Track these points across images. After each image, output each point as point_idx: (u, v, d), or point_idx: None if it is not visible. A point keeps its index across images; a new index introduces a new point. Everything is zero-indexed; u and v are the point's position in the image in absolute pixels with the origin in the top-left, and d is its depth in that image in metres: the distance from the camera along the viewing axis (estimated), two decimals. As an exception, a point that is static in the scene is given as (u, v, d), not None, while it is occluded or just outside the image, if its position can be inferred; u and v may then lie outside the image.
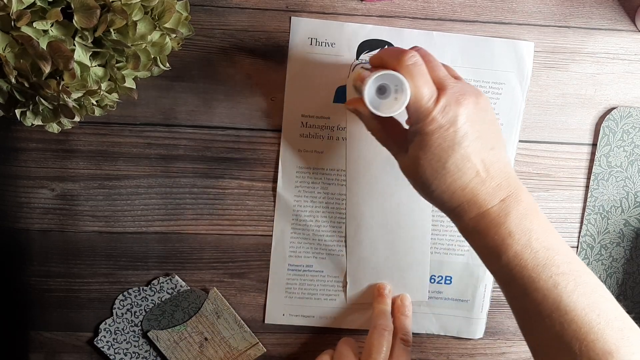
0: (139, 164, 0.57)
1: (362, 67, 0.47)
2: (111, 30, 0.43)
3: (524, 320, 0.43)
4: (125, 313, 0.59)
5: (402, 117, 0.45)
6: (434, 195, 0.44)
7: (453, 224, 0.59)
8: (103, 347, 0.60)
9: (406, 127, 0.45)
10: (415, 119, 0.42)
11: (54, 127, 0.48)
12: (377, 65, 0.46)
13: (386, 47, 0.46)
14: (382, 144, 0.49)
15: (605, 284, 0.60)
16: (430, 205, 0.58)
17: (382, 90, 0.42)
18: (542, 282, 0.41)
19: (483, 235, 0.43)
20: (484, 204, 0.42)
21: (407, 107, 0.42)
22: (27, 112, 0.46)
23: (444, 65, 0.45)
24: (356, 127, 0.57)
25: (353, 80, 0.49)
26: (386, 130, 0.47)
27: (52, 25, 0.42)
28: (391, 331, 0.55)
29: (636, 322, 0.44)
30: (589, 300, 0.40)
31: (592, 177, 0.59)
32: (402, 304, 0.59)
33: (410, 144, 0.44)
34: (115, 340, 0.60)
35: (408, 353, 0.55)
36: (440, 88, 0.42)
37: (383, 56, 0.45)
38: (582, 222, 0.60)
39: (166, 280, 0.59)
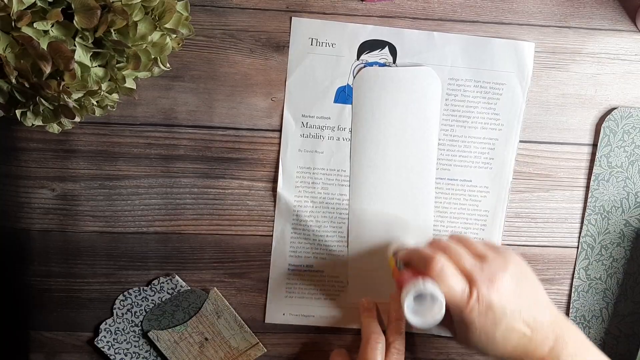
0: (139, 164, 0.57)
1: (394, 254, 0.54)
2: (112, 30, 0.43)
3: None
4: (126, 313, 0.59)
5: None
6: (491, 355, 0.49)
7: (454, 225, 0.59)
8: (103, 347, 0.60)
9: None
10: (454, 310, 0.47)
11: (54, 128, 0.48)
12: (407, 262, 0.51)
13: (411, 248, 0.53)
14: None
15: (606, 285, 0.60)
16: (432, 206, 0.58)
17: (419, 297, 0.47)
18: None
19: None
20: (535, 355, 0.47)
21: (445, 304, 0.46)
22: (28, 113, 0.46)
23: (466, 242, 0.50)
24: (360, 128, 0.57)
25: (389, 264, 0.56)
26: None
27: (52, 26, 0.42)
28: (384, 343, 0.55)
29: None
30: None
31: (593, 178, 0.59)
32: (396, 309, 0.59)
33: (457, 325, 0.49)
34: (115, 341, 0.60)
35: None
36: (470, 279, 0.46)
37: (412, 259, 0.50)
38: (582, 223, 0.60)
39: (166, 281, 0.59)
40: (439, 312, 0.46)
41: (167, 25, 0.47)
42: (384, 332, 0.57)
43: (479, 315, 0.46)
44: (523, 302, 0.47)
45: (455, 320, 0.49)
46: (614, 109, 0.58)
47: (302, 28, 0.55)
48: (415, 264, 0.50)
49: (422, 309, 0.47)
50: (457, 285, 0.46)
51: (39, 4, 0.41)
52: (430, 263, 0.47)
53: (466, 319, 0.46)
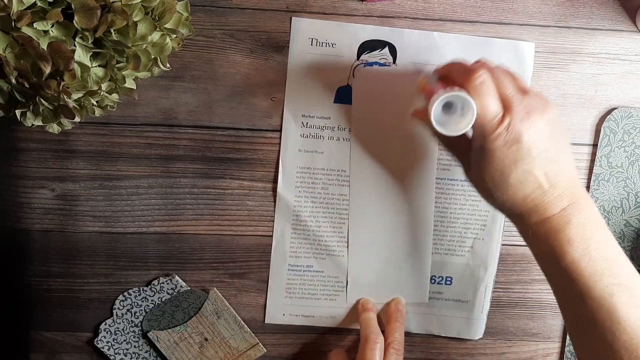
0: (139, 164, 0.57)
1: (425, 77, 0.48)
2: (112, 30, 0.43)
3: (576, 325, 0.44)
4: (126, 313, 0.59)
5: None
6: (496, 203, 0.45)
7: (454, 225, 0.59)
8: (103, 348, 0.60)
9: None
10: (479, 134, 0.43)
11: (54, 128, 0.48)
12: (443, 76, 0.47)
13: (453, 61, 0.48)
14: (446, 150, 0.50)
15: (606, 285, 0.60)
16: (432, 206, 0.58)
17: (448, 106, 0.43)
18: (598, 290, 0.42)
19: (542, 240, 0.44)
20: (544, 212, 0.43)
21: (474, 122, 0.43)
22: (28, 113, 0.46)
23: (512, 75, 0.46)
24: (360, 128, 0.57)
25: (417, 89, 0.49)
26: (451, 137, 0.47)
27: (52, 26, 0.42)
28: (382, 343, 0.55)
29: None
30: None
31: (593, 178, 0.59)
32: (395, 309, 0.59)
33: (474, 155, 0.45)
34: (115, 341, 0.60)
35: None
36: (506, 106, 0.43)
37: (451, 70, 0.46)
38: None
39: (166, 281, 0.59)
40: (467, 123, 0.42)
41: (167, 26, 0.46)
42: (383, 332, 0.57)
43: (502, 146, 0.42)
44: (550, 153, 0.43)
45: (474, 148, 0.45)
46: (614, 109, 0.58)
47: (302, 28, 0.55)
48: (453, 77, 0.45)
49: (449, 119, 0.43)
50: (492, 106, 0.42)
51: (39, 4, 0.41)
52: (471, 75, 0.43)
53: (488, 147, 0.43)
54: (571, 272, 0.42)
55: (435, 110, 0.43)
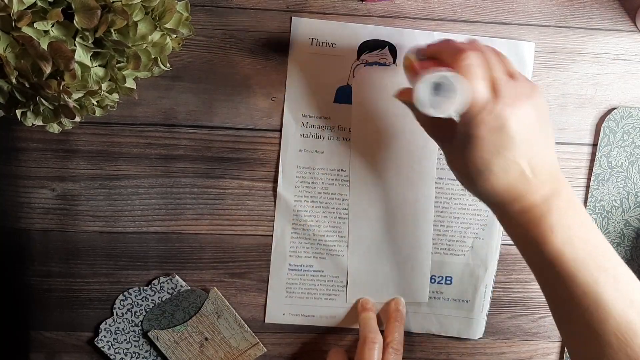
0: (140, 164, 0.57)
1: (414, 54, 0.46)
2: (112, 30, 0.43)
3: (561, 312, 0.44)
4: (126, 313, 0.60)
5: None
6: (477, 191, 0.44)
7: (454, 225, 0.59)
8: (103, 347, 0.60)
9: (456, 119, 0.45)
10: (465, 118, 0.42)
11: (54, 127, 0.48)
12: (432, 56, 0.45)
13: (445, 39, 0.46)
14: (429, 135, 0.49)
15: (605, 284, 0.60)
16: (432, 206, 0.58)
17: (436, 87, 0.41)
18: (582, 277, 0.41)
19: (524, 229, 0.43)
20: (527, 200, 0.43)
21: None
22: (28, 113, 0.46)
23: (502, 58, 0.45)
24: (360, 128, 0.57)
25: (404, 68, 0.48)
26: (433, 121, 0.46)
27: (52, 26, 0.42)
28: (381, 343, 0.55)
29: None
30: (629, 297, 0.41)
31: (593, 178, 0.59)
32: (395, 309, 0.59)
33: (457, 140, 0.44)
34: (115, 340, 0.60)
35: None
36: (494, 89, 0.42)
37: (440, 50, 0.44)
38: (582, 222, 0.60)
39: (166, 280, 0.59)
40: (457, 106, 0.41)
41: (167, 25, 0.47)
42: (383, 332, 0.57)
43: (487, 132, 0.41)
44: (534, 140, 0.42)
45: (458, 133, 0.43)
46: (614, 109, 0.58)
47: (302, 28, 0.55)
48: (442, 57, 0.44)
49: (435, 101, 0.41)
50: (481, 89, 0.41)
51: (39, 4, 0.41)
52: (460, 55, 0.41)
53: (473, 132, 0.41)
54: (554, 260, 0.42)
55: (421, 91, 0.41)
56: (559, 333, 0.46)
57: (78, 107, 0.46)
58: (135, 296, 0.59)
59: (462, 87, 0.40)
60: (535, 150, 0.42)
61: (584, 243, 0.42)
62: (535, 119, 0.42)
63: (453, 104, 0.41)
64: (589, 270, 0.41)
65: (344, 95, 0.57)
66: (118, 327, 0.60)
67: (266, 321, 0.61)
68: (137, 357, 0.61)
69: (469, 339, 0.62)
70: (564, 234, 0.42)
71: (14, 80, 0.42)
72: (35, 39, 0.40)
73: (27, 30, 0.41)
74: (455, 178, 0.52)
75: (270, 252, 0.59)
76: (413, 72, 0.44)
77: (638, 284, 0.42)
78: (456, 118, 0.43)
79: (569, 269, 0.42)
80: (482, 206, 0.59)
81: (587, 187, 0.59)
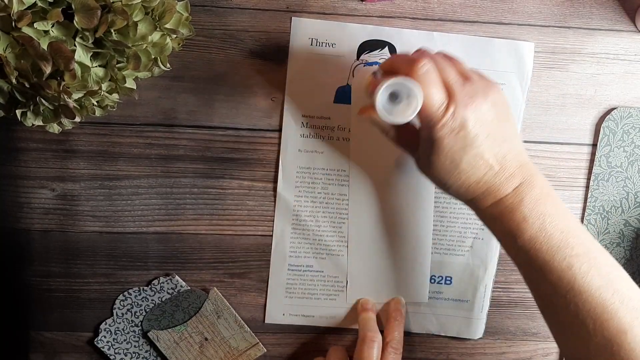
0: (139, 164, 0.57)
1: (373, 74, 0.49)
2: (112, 30, 0.43)
3: (542, 300, 0.45)
4: (126, 313, 0.60)
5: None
6: (450, 190, 0.46)
7: (454, 225, 0.59)
8: (103, 347, 0.60)
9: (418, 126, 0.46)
10: (426, 124, 0.44)
11: (54, 128, 0.48)
12: (388, 70, 0.46)
13: (395, 54, 0.48)
14: (395, 146, 0.50)
15: (605, 284, 0.60)
16: (432, 206, 0.58)
17: (393, 97, 0.43)
18: (557, 263, 0.42)
19: (499, 221, 0.45)
20: (498, 193, 0.44)
21: (418, 113, 0.43)
22: (28, 113, 0.46)
23: (454, 61, 0.46)
24: (360, 128, 0.57)
25: (364, 87, 0.50)
26: (399, 132, 0.49)
27: (52, 26, 0.42)
28: (380, 342, 0.55)
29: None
30: (604, 280, 0.41)
31: (592, 178, 0.59)
32: (395, 309, 0.59)
33: (422, 146, 0.46)
34: (115, 341, 0.60)
35: None
36: (449, 93, 0.43)
37: (394, 62, 0.46)
38: (582, 223, 0.60)
39: (166, 280, 0.59)
40: (414, 109, 0.42)
41: (167, 26, 0.47)
42: (383, 332, 0.57)
43: (449, 134, 0.43)
44: (497, 135, 0.44)
45: (422, 139, 0.45)
46: (614, 109, 0.58)
47: (302, 28, 0.55)
48: (397, 69, 0.45)
49: (395, 108, 0.43)
50: (437, 95, 0.42)
51: (39, 4, 0.41)
52: (414, 65, 0.43)
53: (435, 136, 0.43)
54: (529, 249, 0.43)
55: (380, 99, 0.43)
56: (549, 329, 0.46)
57: (78, 107, 0.46)
58: (135, 296, 0.59)
59: (415, 88, 0.42)
60: (499, 145, 0.44)
61: (557, 230, 0.43)
62: (494, 115, 0.44)
63: (410, 107, 0.42)
64: (562, 256, 0.42)
65: (343, 95, 0.57)
66: (118, 328, 0.60)
67: (266, 321, 0.61)
68: (137, 357, 0.61)
69: (469, 339, 0.62)
70: (537, 222, 0.43)
71: (14, 81, 0.42)
72: (35, 39, 0.40)
73: (27, 30, 0.41)
74: None
75: (270, 252, 0.59)
76: (372, 89, 0.46)
77: (615, 267, 0.43)
78: (417, 123, 0.44)
79: (544, 256, 0.43)
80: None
81: (587, 187, 0.59)
